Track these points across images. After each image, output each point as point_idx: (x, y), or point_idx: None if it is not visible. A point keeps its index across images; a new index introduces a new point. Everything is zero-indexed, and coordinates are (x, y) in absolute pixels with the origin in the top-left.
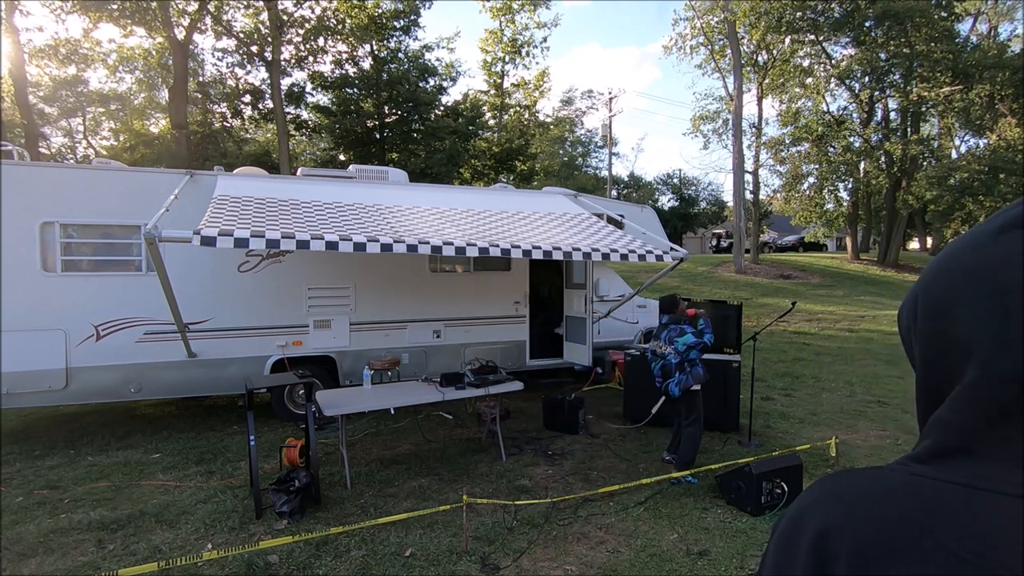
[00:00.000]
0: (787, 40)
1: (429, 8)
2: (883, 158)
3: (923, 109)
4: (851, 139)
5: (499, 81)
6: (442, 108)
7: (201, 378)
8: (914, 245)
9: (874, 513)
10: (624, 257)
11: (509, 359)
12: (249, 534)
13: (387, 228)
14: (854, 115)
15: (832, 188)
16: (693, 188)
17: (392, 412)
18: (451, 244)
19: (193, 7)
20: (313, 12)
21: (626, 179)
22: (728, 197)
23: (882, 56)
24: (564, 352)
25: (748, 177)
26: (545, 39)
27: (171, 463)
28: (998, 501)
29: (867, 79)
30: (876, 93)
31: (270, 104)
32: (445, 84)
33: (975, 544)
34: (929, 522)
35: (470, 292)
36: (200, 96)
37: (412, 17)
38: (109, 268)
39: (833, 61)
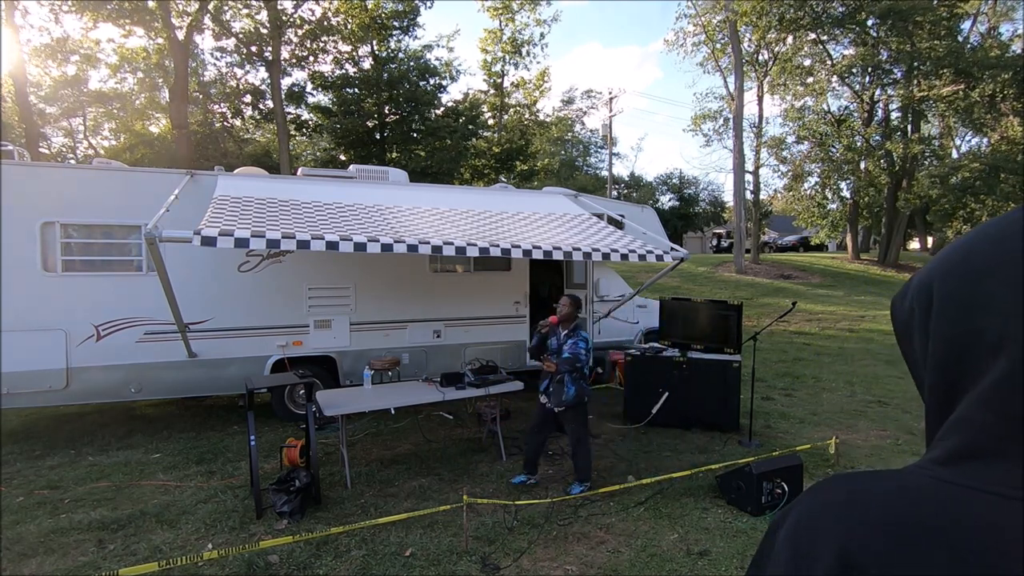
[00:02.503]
0: (789, 39)
1: (430, 7)
2: (884, 158)
3: (924, 109)
4: (853, 138)
5: (499, 81)
6: (442, 108)
7: (201, 378)
8: (915, 245)
9: (900, 526)
10: (624, 257)
11: (509, 359)
12: (249, 534)
13: (387, 228)
14: (855, 115)
15: (834, 188)
16: (693, 188)
17: (392, 412)
18: (451, 244)
19: (193, 7)
20: (313, 14)
21: (626, 179)
22: (728, 197)
23: (883, 54)
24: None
25: (748, 177)
26: (543, 36)
27: (171, 463)
28: None
29: (868, 78)
30: (877, 92)
31: (270, 104)
32: (445, 83)
33: (1015, 566)
34: (961, 536)
35: (470, 292)
36: (200, 96)
37: (412, 16)
38: (109, 268)
39: (834, 59)
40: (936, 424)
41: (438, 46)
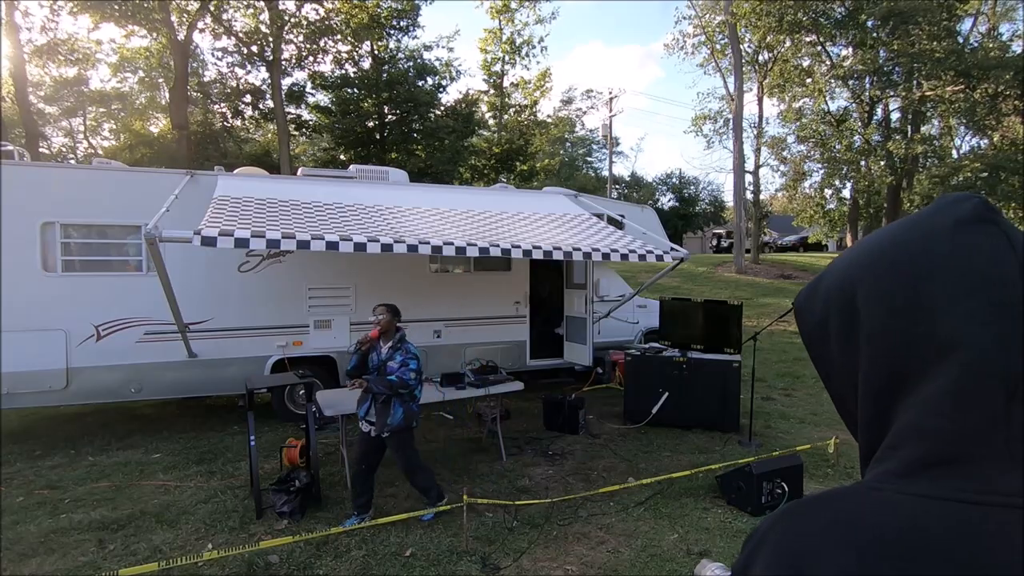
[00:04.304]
0: (788, 41)
1: (431, 3)
2: (885, 158)
3: (924, 109)
4: (852, 139)
5: (499, 81)
6: (442, 108)
7: (201, 378)
8: None
9: (897, 548)
10: (624, 257)
11: (509, 359)
12: (249, 534)
13: (387, 228)
14: (854, 115)
15: (835, 187)
16: (693, 188)
17: None
18: (451, 244)
19: (193, 7)
20: (318, 13)
21: (627, 179)
22: (728, 197)
23: (881, 54)
24: (564, 352)
25: (748, 177)
26: (543, 39)
27: (171, 463)
28: (1010, 515)
29: (867, 80)
30: (877, 92)
31: (270, 104)
32: (444, 83)
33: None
34: (958, 550)
35: (470, 292)
36: (201, 96)
37: (412, 17)
38: (109, 268)
39: (833, 61)
40: (875, 427)
41: (437, 46)
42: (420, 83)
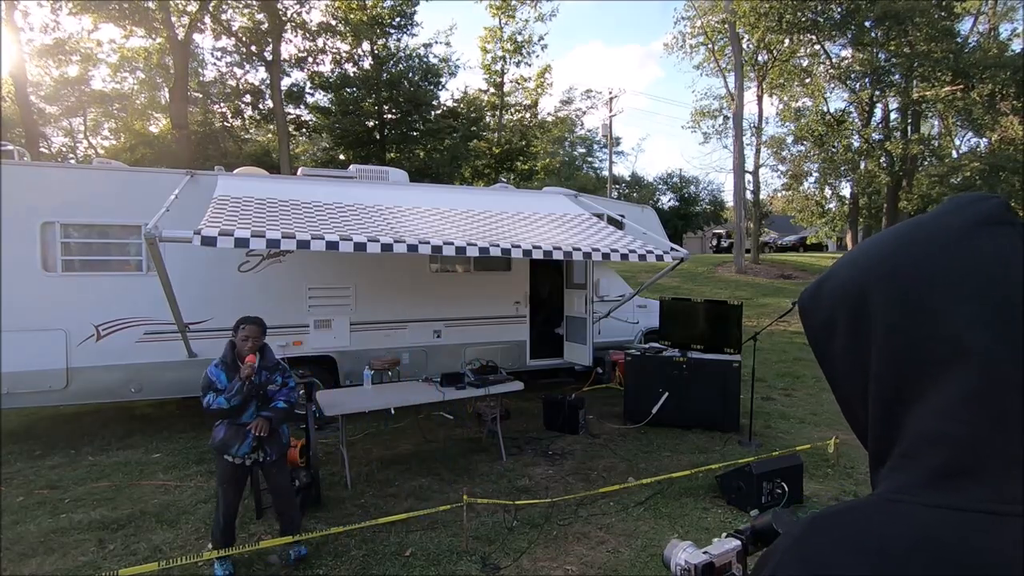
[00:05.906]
0: (787, 40)
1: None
2: (884, 158)
3: (923, 109)
4: (851, 139)
5: (499, 80)
6: (442, 108)
7: (201, 378)
8: None
9: (901, 562)
10: (624, 257)
11: (509, 359)
12: (249, 534)
13: (387, 228)
14: (854, 115)
15: (834, 187)
16: (693, 187)
17: (392, 412)
18: (451, 244)
19: (193, 7)
20: (310, 13)
21: (627, 179)
22: (728, 197)
23: (881, 56)
24: (564, 352)
25: (748, 177)
26: (543, 37)
27: (171, 463)
28: (1017, 523)
29: (867, 79)
30: (876, 93)
31: (270, 104)
32: (443, 80)
33: None
34: (960, 564)
35: (470, 292)
36: (200, 96)
37: (409, 15)
38: (109, 268)
39: (832, 61)
40: (883, 429)
41: (436, 43)
42: (422, 83)
